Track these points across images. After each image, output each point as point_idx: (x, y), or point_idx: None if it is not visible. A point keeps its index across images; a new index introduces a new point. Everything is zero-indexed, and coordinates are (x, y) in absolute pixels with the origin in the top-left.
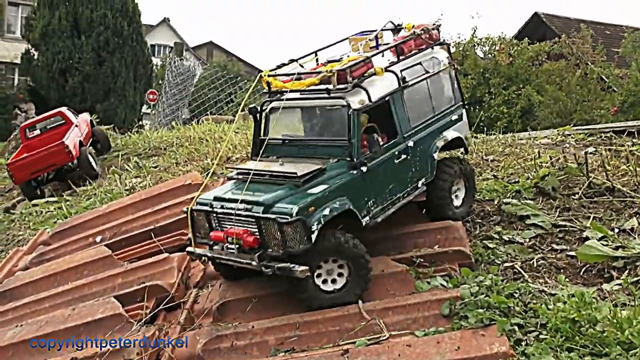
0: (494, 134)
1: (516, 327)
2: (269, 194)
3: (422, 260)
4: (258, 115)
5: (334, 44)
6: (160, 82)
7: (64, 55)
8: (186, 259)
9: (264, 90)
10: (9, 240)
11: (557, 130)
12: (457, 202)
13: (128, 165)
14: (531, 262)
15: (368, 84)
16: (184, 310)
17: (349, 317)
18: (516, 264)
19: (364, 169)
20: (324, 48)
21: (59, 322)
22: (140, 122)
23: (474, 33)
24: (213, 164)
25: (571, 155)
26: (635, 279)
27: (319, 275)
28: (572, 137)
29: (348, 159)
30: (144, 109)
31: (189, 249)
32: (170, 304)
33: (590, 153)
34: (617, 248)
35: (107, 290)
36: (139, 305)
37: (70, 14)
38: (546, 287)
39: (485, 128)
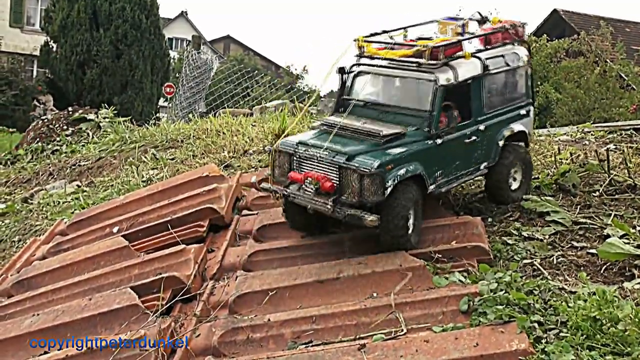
0: None
1: (536, 325)
2: (352, 147)
3: (440, 255)
4: (345, 75)
5: (424, 23)
6: (177, 75)
7: (82, 47)
8: (203, 251)
9: (355, 54)
10: (26, 230)
11: (577, 127)
12: (514, 186)
13: (145, 157)
14: (551, 259)
15: (456, 65)
16: (200, 302)
17: (366, 311)
18: (535, 260)
19: (439, 141)
20: (413, 25)
21: (75, 311)
22: (156, 115)
23: None
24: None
25: (592, 151)
26: None
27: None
28: (591, 134)
29: (426, 129)
30: (161, 101)
31: (264, 184)
32: (187, 296)
33: (611, 150)
34: (638, 246)
35: (123, 281)
36: (155, 297)
37: (89, 7)
38: (566, 284)
39: None
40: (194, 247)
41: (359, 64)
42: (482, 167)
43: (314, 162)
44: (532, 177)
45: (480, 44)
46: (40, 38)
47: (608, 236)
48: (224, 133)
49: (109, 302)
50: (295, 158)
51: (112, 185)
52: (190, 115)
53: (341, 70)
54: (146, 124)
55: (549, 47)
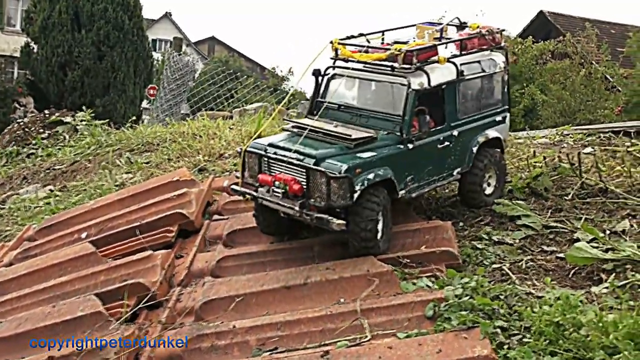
0: None
1: (499, 330)
2: (322, 150)
3: (408, 260)
4: (320, 77)
5: (402, 27)
6: (160, 77)
7: (63, 49)
8: (170, 257)
9: (331, 57)
10: None
11: (556, 130)
12: (488, 190)
13: (120, 161)
14: (520, 264)
15: (430, 69)
16: (166, 308)
17: (332, 318)
18: (504, 265)
19: (410, 145)
20: (392, 29)
21: (38, 319)
22: (133, 118)
23: None
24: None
25: (566, 155)
26: (624, 282)
27: None
28: (570, 137)
29: (398, 133)
30: (144, 104)
31: (234, 186)
32: (152, 302)
33: (587, 153)
34: (607, 250)
35: (89, 288)
36: (120, 304)
37: (71, 8)
38: (534, 289)
39: None
40: (161, 253)
41: (334, 67)
42: (455, 172)
43: (283, 164)
44: (506, 181)
45: (456, 50)
46: (20, 39)
47: (578, 240)
48: (200, 136)
49: (73, 310)
50: (264, 160)
51: (85, 190)
52: (168, 119)
53: (316, 73)
54: (123, 127)
55: (534, 48)
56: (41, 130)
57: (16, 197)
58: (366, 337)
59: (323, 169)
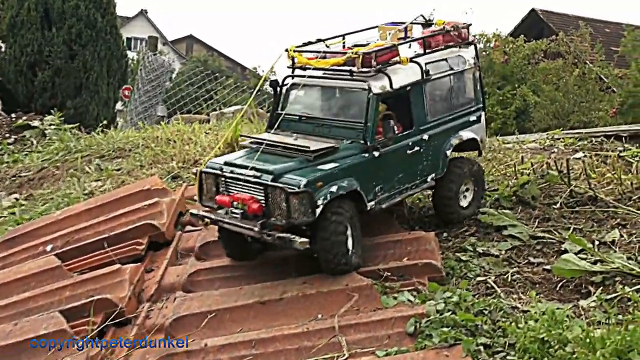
0: None
1: (482, 348)
2: (280, 165)
3: (389, 273)
4: (278, 88)
5: (364, 30)
6: (135, 77)
7: (33, 48)
8: (139, 271)
9: (288, 65)
10: None
11: (547, 134)
12: (464, 203)
13: (89, 168)
14: (505, 276)
15: (391, 71)
16: (135, 326)
17: (308, 335)
18: (489, 278)
19: (376, 153)
20: (353, 32)
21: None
22: (105, 121)
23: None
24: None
25: (554, 161)
26: (612, 295)
27: None
28: (561, 142)
29: (362, 141)
30: (119, 105)
31: (192, 210)
32: (120, 319)
33: (578, 159)
34: (595, 262)
35: (54, 304)
36: (86, 321)
37: (40, 5)
38: (520, 303)
39: None
40: (130, 267)
41: (292, 76)
42: (429, 179)
43: (240, 183)
44: (486, 189)
45: (420, 48)
46: None
47: (566, 251)
48: (174, 142)
49: (36, 328)
50: (222, 180)
51: (52, 199)
52: (141, 123)
53: (273, 84)
54: (93, 132)
55: (526, 48)
56: (7, 135)
57: None
58: (344, 355)
59: (281, 185)
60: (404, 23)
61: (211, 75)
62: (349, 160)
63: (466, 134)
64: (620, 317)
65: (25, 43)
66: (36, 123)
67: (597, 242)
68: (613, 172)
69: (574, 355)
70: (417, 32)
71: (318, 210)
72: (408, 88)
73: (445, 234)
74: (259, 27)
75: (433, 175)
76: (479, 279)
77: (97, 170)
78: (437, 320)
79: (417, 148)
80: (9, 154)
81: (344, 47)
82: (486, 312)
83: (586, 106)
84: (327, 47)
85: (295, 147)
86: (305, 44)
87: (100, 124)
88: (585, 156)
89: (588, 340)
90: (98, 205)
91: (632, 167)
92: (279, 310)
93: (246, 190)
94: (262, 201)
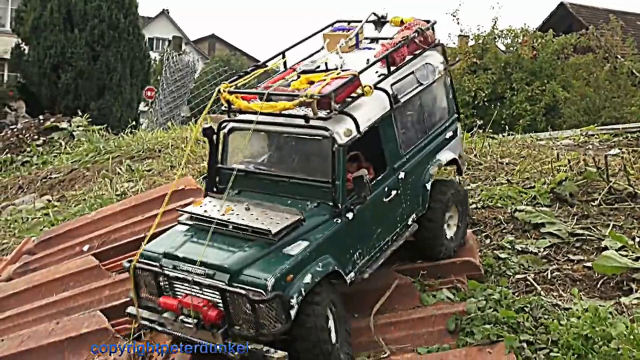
0: (512, 134)
1: (525, 344)
2: (235, 255)
3: (428, 271)
4: (215, 137)
5: (304, 40)
6: (158, 78)
7: (56, 49)
8: None
9: (223, 109)
10: None
11: (580, 131)
12: (449, 233)
13: (120, 169)
14: (545, 274)
15: (355, 109)
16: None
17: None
18: (529, 275)
19: (350, 215)
20: (291, 47)
21: (42, 336)
22: (133, 122)
23: (494, 24)
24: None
25: (592, 157)
26: None
27: None
28: (595, 138)
29: (330, 203)
30: (142, 106)
31: (130, 310)
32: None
33: (613, 155)
34: (637, 259)
35: (93, 303)
36: (127, 319)
37: (63, 6)
38: (560, 300)
39: (506, 126)
40: None
41: (230, 121)
42: (410, 221)
43: (188, 283)
44: (469, 217)
45: (382, 66)
46: (11, 40)
47: (606, 248)
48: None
49: (77, 326)
50: (163, 277)
51: (84, 200)
52: (170, 124)
53: (208, 133)
54: (122, 133)
55: (555, 42)
56: (36, 137)
57: (12, 208)
58: (385, 353)
59: (243, 290)
60: (351, 22)
61: (234, 75)
62: (319, 233)
63: (445, 156)
64: None
65: (49, 45)
66: (64, 125)
67: (637, 239)
68: None
69: (619, 352)
70: (369, 31)
71: (293, 312)
72: (377, 125)
73: (482, 232)
74: (281, 26)
75: (414, 215)
76: (518, 276)
77: (128, 171)
78: (478, 317)
79: (394, 192)
80: (38, 155)
81: (285, 69)
82: (527, 309)
83: (618, 102)
84: (268, 72)
85: (252, 228)
86: (236, 78)
87: (129, 125)
88: (621, 152)
89: (632, 336)
90: (133, 205)
91: None
92: None
93: (197, 291)
94: (221, 306)
